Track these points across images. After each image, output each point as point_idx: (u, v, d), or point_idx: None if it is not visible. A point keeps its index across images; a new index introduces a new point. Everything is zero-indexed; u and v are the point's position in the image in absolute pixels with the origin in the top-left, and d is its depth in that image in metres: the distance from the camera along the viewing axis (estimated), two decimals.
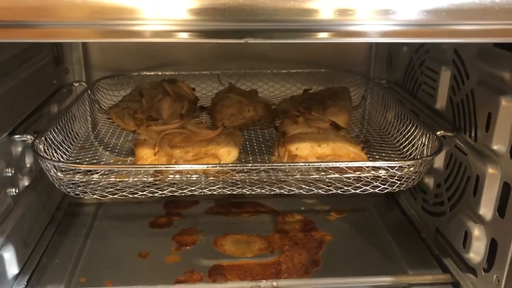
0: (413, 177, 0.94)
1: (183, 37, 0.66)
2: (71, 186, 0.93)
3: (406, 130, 1.10)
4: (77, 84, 1.41)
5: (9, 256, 0.97)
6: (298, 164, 0.92)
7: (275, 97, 1.50)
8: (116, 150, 1.25)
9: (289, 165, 0.92)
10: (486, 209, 0.93)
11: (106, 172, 0.92)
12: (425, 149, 1.01)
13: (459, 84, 1.05)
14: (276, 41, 0.68)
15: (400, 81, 1.38)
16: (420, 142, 1.04)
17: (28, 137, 0.99)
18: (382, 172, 0.93)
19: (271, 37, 0.67)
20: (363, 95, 1.46)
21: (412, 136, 1.08)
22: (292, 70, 1.50)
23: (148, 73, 1.47)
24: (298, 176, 0.94)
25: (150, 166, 0.94)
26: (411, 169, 0.92)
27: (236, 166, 0.90)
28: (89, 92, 1.35)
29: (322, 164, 0.91)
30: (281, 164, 0.94)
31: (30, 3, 0.62)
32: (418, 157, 0.99)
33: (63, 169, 0.92)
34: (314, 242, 1.22)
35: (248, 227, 1.28)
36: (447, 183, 1.11)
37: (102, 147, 1.28)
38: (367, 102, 1.46)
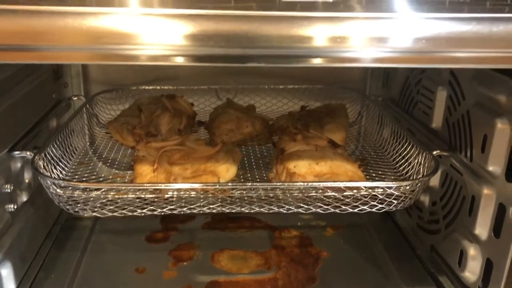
0: (410, 196, 0.95)
1: (187, 62, 0.67)
2: (70, 203, 0.93)
3: (403, 149, 1.12)
4: (76, 98, 1.42)
5: (7, 273, 0.97)
6: (297, 184, 0.93)
7: (272, 112, 1.51)
8: (115, 165, 1.25)
9: (287, 185, 0.93)
10: (482, 229, 0.95)
11: (105, 189, 0.92)
12: (421, 168, 1.02)
13: (455, 105, 1.07)
14: (278, 66, 0.69)
15: (396, 98, 1.40)
16: (416, 161, 1.05)
17: (28, 153, 0.99)
18: (379, 192, 0.94)
19: (273, 62, 0.69)
20: (359, 112, 1.48)
21: (409, 154, 1.09)
22: (289, 86, 1.52)
23: (146, 88, 1.48)
24: (296, 195, 0.95)
25: (149, 184, 0.94)
26: (408, 188, 0.94)
27: (235, 186, 0.91)
28: (88, 106, 1.36)
29: (321, 184, 0.92)
30: (279, 184, 0.95)
31: (33, 27, 0.63)
32: (415, 177, 1.01)
33: (62, 185, 0.92)
34: (310, 258, 1.23)
35: (244, 243, 1.28)
36: (443, 202, 1.12)
37: (101, 161, 1.29)
38: (363, 118, 1.47)
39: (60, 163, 1.05)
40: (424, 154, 1.03)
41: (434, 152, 1.03)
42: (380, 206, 0.94)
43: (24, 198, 1.06)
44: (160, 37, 0.64)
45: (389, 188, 0.92)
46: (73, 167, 1.13)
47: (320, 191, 0.95)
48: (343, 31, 0.66)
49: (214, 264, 1.19)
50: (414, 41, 0.67)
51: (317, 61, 0.68)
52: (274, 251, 1.25)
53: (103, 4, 0.64)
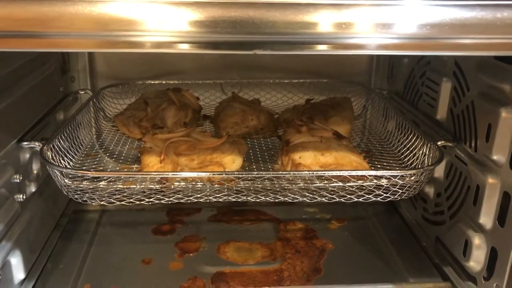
0: (415, 186, 0.96)
1: (193, 48, 0.68)
2: (78, 192, 0.94)
3: (407, 140, 1.12)
4: (83, 92, 1.43)
5: (16, 262, 0.98)
6: (302, 173, 0.93)
7: (277, 107, 1.52)
8: (122, 158, 1.27)
9: (293, 173, 0.93)
10: (486, 218, 0.95)
11: (113, 179, 0.94)
12: (426, 159, 1.03)
13: (459, 96, 1.07)
14: (284, 53, 0.70)
15: (401, 91, 1.41)
16: (421, 152, 1.06)
17: (36, 144, 1.00)
18: (384, 181, 0.94)
19: (279, 49, 0.69)
20: (364, 105, 1.48)
21: (413, 146, 1.09)
22: (294, 80, 1.53)
23: (152, 82, 1.49)
24: (301, 184, 0.96)
25: (156, 173, 0.95)
26: (413, 178, 0.94)
27: (242, 174, 0.91)
28: (95, 100, 1.37)
29: (326, 172, 0.92)
30: (285, 172, 0.95)
31: (37, 14, 0.64)
32: (420, 166, 1.01)
33: (70, 175, 0.93)
34: (315, 250, 1.23)
35: (250, 235, 1.29)
36: (447, 193, 1.12)
37: (107, 154, 1.30)
38: (368, 112, 1.48)
39: (67, 155, 1.06)
40: (429, 145, 1.04)
41: (439, 143, 1.04)
42: (384, 195, 0.95)
43: (32, 188, 1.07)
44: (166, 23, 0.65)
45: (394, 177, 0.92)
46: (80, 159, 1.14)
47: (325, 180, 0.95)
48: (348, 17, 0.66)
49: (220, 256, 1.20)
50: (419, 27, 0.67)
51: (322, 47, 0.69)
52: (280, 243, 1.25)
53: None
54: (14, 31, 0.64)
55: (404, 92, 1.38)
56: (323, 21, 0.66)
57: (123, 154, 1.28)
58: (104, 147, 1.33)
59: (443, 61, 1.14)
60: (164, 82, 1.49)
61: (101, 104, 1.41)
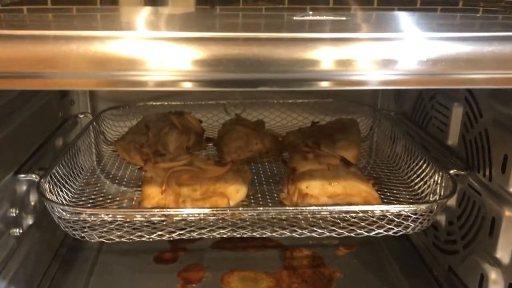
0: (428, 218, 0.92)
1: (196, 86, 0.64)
2: (76, 228, 0.90)
3: (418, 167, 1.09)
4: (83, 115, 1.40)
5: None
6: (310, 208, 0.89)
7: (282, 127, 1.48)
8: (124, 182, 1.23)
9: (300, 209, 0.89)
10: (504, 253, 0.91)
11: (112, 215, 0.90)
12: (438, 188, 0.99)
13: (472, 122, 1.03)
14: (290, 89, 0.67)
15: (409, 113, 1.37)
16: (432, 180, 1.02)
17: (33, 176, 0.97)
18: (396, 215, 0.90)
19: (285, 86, 0.66)
20: (371, 127, 1.44)
21: (424, 173, 1.06)
22: (299, 100, 1.49)
23: (154, 103, 1.46)
24: (309, 217, 0.92)
25: (157, 210, 0.91)
26: (426, 211, 0.90)
27: (247, 211, 0.88)
28: (95, 123, 1.34)
29: (336, 208, 0.88)
30: (292, 208, 0.91)
31: (36, 54, 0.61)
32: (432, 197, 0.97)
33: (68, 210, 0.90)
34: (323, 279, 1.19)
35: (255, 263, 1.25)
36: (460, 222, 1.08)
37: (108, 180, 1.27)
38: (375, 134, 1.44)
39: (66, 185, 1.02)
40: (440, 173, 1.00)
41: (451, 171, 1.00)
42: (396, 229, 0.91)
43: (29, 221, 1.03)
44: (167, 62, 0.62)
45: (407, 211, 0.88)
46: (80, 188, 1.10)
47: (334, 214, 0.91)
48: (352, 54, 0.63)
49: (224, 286, 1.16)
50: (421, 63, 0.64)
51: (325, 84, 0.65)
52: (286, 272, 1.21)
53: (108, 28, 0.61)
54: (6, 72, 0.61)
55: (412, 114, 1.34)
56: (330, 57, 0.63)
57: (125, 179, 1.25)
58: (105, 172, 1.30)
59: None
60: (166, 103, 1.46)
61: (102, 127, 1.37)
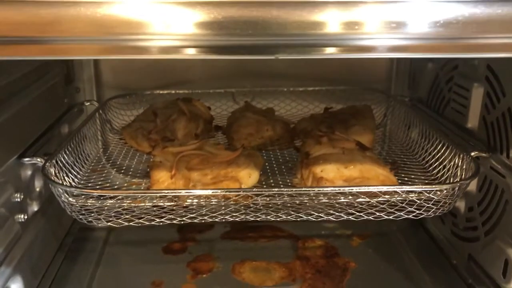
0: (450, 201, 0.88)
1: (206, 54, 0.60)
2: (83, 212, 0.87)
3: (436, 150, 1.04)
4: (88, 103, 1.37)
5: None
6: (327, 189, 0.85)
7: (292, 116, 1.44)
8: (130, 172, 1.20)
9: (317, 190, 0.85)
10: None
11: (121, 197, 0.86)
12: (459, 171, 0.95)
13: (493, 102, 0.99)
14: (310, 57, 0.63)
15: (424, 98, 1.32)
16: (452, 163, 0.98)
17: (38, 160, 0.94)
18: (416, 196, 0.86)
19: (305, 53, 0.62)
20: (384, 113, 1.40)
21: (443, 157, 1.01)
22: (309, 88, 1.45)
23: (161, 92, 1.42)
24: (325, 201, 0.88)
25: (167, 191, 0.87)
26: (448, 192, 0.86)
27: (260, 191, 0.84)
28: (101, 111, 1.30)
29: (354, 188, 0.84)
30: (308, 189, 0.87)
31: (34, 17, 0.57)
32: (455, 180, 0.93)
33: (75, 194, 0.86)
34: (337, 269, 1.15)
35: (267, 253, 1.21)
36: (481, 207, 1.04)
37: (115, 169, 1.23)
38: (389, 120, 1.40)
39: (72, 171, 0.99)
40: (461, 156, 0.95)
41: (472, 153, 0.96)
42: (417, 212, 0.86)
43: (35, 207, 1.00)
44: (176, 25, 0.58)
45: (428, 192, 0.84)
46: (86, 174, 1.07)
47: (351, 196, 0.87)
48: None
49: (235, 276, 1.12)
50: (437, 25, 0.60)
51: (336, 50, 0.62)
52: (299, 262, 1.17)
53: None
54: (8, 37, 0.57)
55: (428, 99, 1.30)
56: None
57: (132, 168, 1.21)
58: (111, 161, 1.26)
59: (473, 65, 1.06)
60: (173, 91, 1.42)
61: (108, 115, 1.34)
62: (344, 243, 1.26)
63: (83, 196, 0.85)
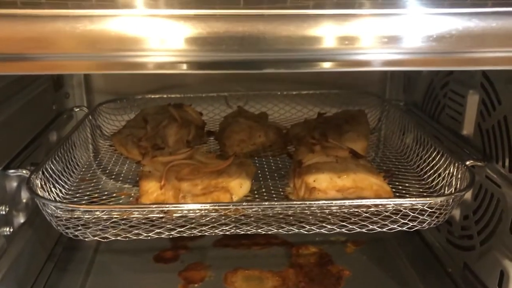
0: (444, 213, 0.86)
1: (195, 69, 0.58)
2: (69, 226, 0.85)
3: (431, 158, 1.03)
4: (78, 109, 1.34)
5: None
6: (318, 202, 0.83)
7: (286, 120, 1.42)
8: (121, 179, 1.17)
9: (309, 203, 0.83)
10: None
11: (107, 211, 0.84)
12: (454, 180, 0.93)
13: (489, 110, 0.97)
14: (298, 71, 0.61)
15: (419, 102, 1.31)
16: (447, 172, 0.96)
17: (24, 171, 0.91)
18: (410, 209, 0.85)
19: (294, 68, 0.60)
20: (379, 118, 1.38)
21: (438, 165, 1.00)
22: (303, 92, 1.43)
23: (152, 96, 1.40)
24: (318, 213, 0.86)
25: (155, 205, 0.85)
26: (443, 204, 0.84)
27: (251, 206, 0.82)
28: (91, 117, 1.28)
29: (346, 202, 0.82)
30: (299, 202, 0.85)
31: (28, 34, 0.55)
32: (447, 190, 0.91)
33: (61, 207, 0.84)
34: (331, 277, 1.14)
35: (259, 261, 1.19)
36: (476, 216, 1.02)
37: (105, 175, 1.21)
38: (383, 125, 1.38)
39: (59, 181, 0.97)
40: (456, 165, 0.94)
41: (468, 162, 0.94)
42: (411, 224, 0.85)
43: (21, 219, 0.98)
44: (167, 41, 0.56)
45: (422, 205, 0.82)
46: (74, 184, 1.05)
47: (344, 209, 0.85)
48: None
49: (227, 286, 1.10)
50: (431, 40, 0.58)
51: (328, 65, 0.60)
52: (292, 271, 1.15)
53: (104, 7, 0.56)
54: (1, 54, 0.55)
55: (423, 103, 1.28)
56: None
57: (122, 175, 1.19)
58: (101, 167, 1.24)
59: (469, 72, 1.04)
60: (165, 96, 1.40)
61: (98, 121, 1.32)
62: (338, 250, 1.24)
63: (68, 210, 0.83)
